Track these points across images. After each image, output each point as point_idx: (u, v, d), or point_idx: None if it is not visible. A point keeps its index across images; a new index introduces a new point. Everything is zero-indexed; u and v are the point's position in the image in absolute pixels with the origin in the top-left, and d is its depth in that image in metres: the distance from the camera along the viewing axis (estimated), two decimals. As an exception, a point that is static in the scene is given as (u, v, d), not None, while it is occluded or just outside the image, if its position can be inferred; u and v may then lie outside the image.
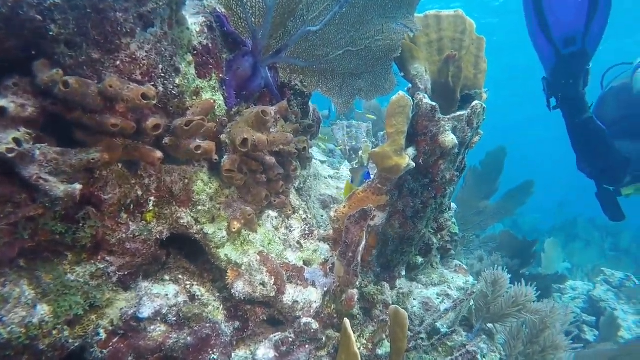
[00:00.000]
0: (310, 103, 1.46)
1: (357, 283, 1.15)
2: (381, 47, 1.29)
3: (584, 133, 2.19)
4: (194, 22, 0.98)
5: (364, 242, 1.08)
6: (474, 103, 1.18)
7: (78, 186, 0.78)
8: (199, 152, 0.95)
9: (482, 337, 1.87)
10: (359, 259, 1.08)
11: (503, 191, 4.95)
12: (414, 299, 2.01)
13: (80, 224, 0.89)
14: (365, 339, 1.21)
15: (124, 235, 0.96)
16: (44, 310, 0.86)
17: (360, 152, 2.76)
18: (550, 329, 1.72)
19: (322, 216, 1.77)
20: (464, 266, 2.67)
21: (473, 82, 1.59)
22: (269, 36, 1.12)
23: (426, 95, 1.13)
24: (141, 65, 0.80)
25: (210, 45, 1.01)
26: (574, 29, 1.87)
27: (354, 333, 1.19)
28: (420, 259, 1.55)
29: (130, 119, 0.83)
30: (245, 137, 1.02)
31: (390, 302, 1.27)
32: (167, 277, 1.15)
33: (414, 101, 1.12)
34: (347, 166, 2.87)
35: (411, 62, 1.53)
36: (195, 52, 0.97)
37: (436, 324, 1.86)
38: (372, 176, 1.56)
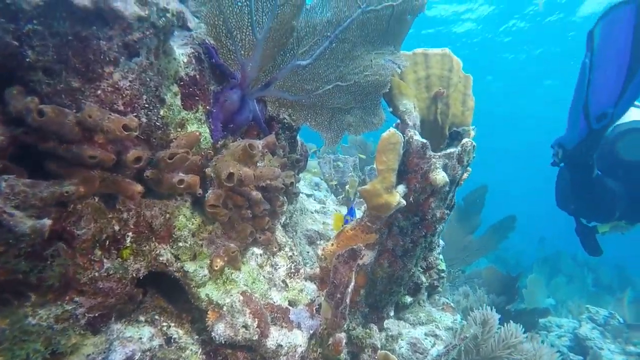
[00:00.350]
0: (298, 137, 1.44)
1: (345, 326, 1.09)
2: (370, 82, 1.29)
3: (592, 189, 2.33)
4: (181, 52, 0.96)
5: (352, 283, 1.03)
6: (464, 140, 1.18)
7: (47, 222, 0.72)
8: (182, 186, 0.91)
9: (472, 381, 1.79)
10: (348, 300, 1.03)
11: (486, 226, 4.99)
12: (402, 340, 1.93)
13: (48, 262, 0.82)
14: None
15: (96, 274, 0.89)
16: (-4, 361, 0.77)
17: (346, 187, 2.74)
18: None
19: (307, 252, 1.71)
20: (451, 304, 2.61)
21: (461, 119, 1.61)
22: (258, 69, 1.11)
23: (417, 132, 1.12)
24: (124, 95, 0.77)
25: (197, 76, 0.99)
26: (608, 105, 1.98)
27: (341, 380, 1.11)
28: (409, 299, 1.50)
29: (110, 150, 0.79)
30: (231, 171, 0.99)
31: (379, 346, 1.21)
32: (142, 318, 1.07)
33: (404, 138, 1.11)
34: (334, 200, 2.84)
35: (400, 99, 1.54)
36: (182, 82, 0.95)
37: (425, 366, 1.78)
38: (357, 212, 1.54)
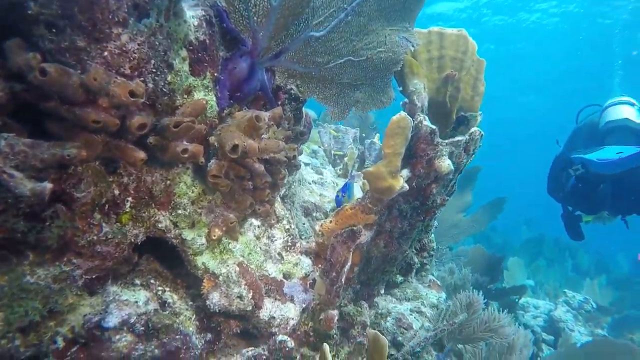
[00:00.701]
0: (304, 109, 1.41)
1: (338, 303, 1.11)
2: (383, 59, 1.25)
3: (590, 190, 2.60)
4: (192, 14, 0.91)
5: (349, 263, 1.04)
6: (472, 129, 1.16)
7: (48, 185, 0.71)
8: (186, 155, 0.89)
9: (452, 358, 1.87)
10: (343, 280, 1.05)
11: (476, 206, 5.06)
12: (389, 316, 1.99)
13: (47, 223, 0.81)
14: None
15: (95, 238, 0.89)
16: (-6, 316, 0.77)
17: (345, 159, 2.73)
18: (516, 355, 1.74)
19: (303, 224, 1.72)
20: (438, 282, 2.68)
21: (469, 104, 1.58)
22: (270, 37, 1.06)
23: (426, 117, 1.10)
24: (131, 58, 0.73)
25: (207, 41, 0.94)
26: None
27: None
28: (400, 278, 1.53)
29: (114, 115, 0.76)
30: (236, 143, 0.96)
31: (368, 323, 1.24)
32: (137, 281, 1.08)
33: (413, 122, 1.09)
34: (332, 171, 2.83)
35: (410, 78, 1.50)
36: (191, 47, 0.90)
37: (409, 342, 1.85)
38: (355, 187, 1.52)
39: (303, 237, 1.59)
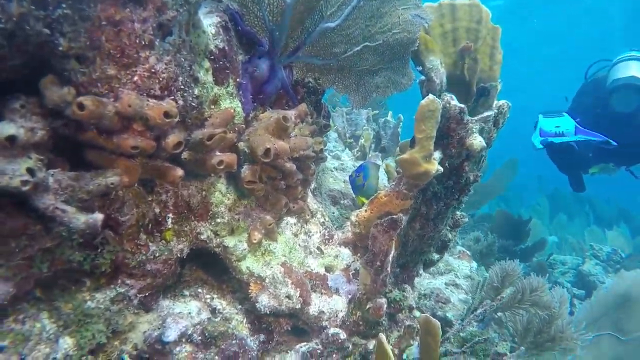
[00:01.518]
0: (322, 100, 1.39)
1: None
2: (399, 40, 1.22)
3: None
4: (208, 23, 0.89)
5: (393, 252, 1.04)
6: (500, 103, 1.13)
7: (99, 216, 0.72)
8: (222, 167, 0.89)
9: (492, 327, 1.88)
10: (389, 269, 1.05)
11: (491, 170, 5.00)
12: (424, 289, 2.01)
13: (99, 250, 0.83)
14: (391, 345, 1.19)
15: (144, 257, 0.90)
16: (67, 343, 0.80)
17: (361, 140, 2.70)
18: (559, 319, 1.73)
19: (333, 213, 1.73)
20: (467, 252, 2.69)
21: (488, 74, 1.54)
22: (287, 35, 1.03)
23: (454, 97, 1.07)
24: (160, 79, 0.72)
25: (226, 47, 0.93)
26: None
27: (379, 339, 1.17)
28: (436, 256, 1.53)
29: (149, 137, 0.76)
30: (267, 146, 0.96)
31: (414, 306, 1.25)
32: (186, 292, 1.10)
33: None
34: (349, 154, 2.81)
35: (426, 55, 1.46)
36: (212, 56, 0.89)
37: (447, 314, 1.87)
38: (370, 172, 1.49)
39: (336, 227, 1.60)
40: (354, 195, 1.92)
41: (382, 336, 0.90)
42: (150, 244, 0.92)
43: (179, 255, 0.97)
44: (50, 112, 0.69)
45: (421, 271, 1.48)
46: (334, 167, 2.18)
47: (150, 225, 0.92)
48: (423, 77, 1.46)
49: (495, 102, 1.13)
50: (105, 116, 0.68)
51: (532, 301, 1.75)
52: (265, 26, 1.00)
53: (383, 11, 1.16)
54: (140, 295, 0.94)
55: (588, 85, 3.08)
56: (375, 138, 2.82)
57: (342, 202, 1.81)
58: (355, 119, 2.93)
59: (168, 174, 0.83)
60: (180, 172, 0.84)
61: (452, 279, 2.13)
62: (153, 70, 0.71)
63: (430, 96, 0.98)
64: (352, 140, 2.94)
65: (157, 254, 0.93)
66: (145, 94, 0.72)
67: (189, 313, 1.02)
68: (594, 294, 2.12)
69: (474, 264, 2.52)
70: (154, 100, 0.72)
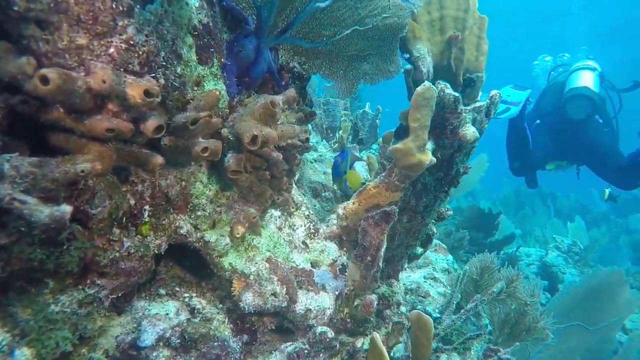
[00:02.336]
0: (307, 87, 1.32)
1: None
2: (388, 25, 1.17)
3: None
4: (191, -6, 0.81)
5: (384, 246, 1.00)
6: (492, 93, 1.11)
7: (67, 208, 0.62)
8: (206, 154, 0.81)
9: (470, 320, 1.90)
10: (380, 264, 1.01)
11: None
12: (403, 284, 1.99)
13: (65, 247, 0.73)
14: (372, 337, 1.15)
15: (117, 254, 0.81)
16: (24, 355, 0.71)
17: (339, 132, 2.66)
18: (532, 313, 1.76)
19: (314, 206, 1.67)
20: (443, 245, 2.71)
21: (475, 64, 1.52)
22: (276, 14, 0.96)
23: (448, 85, 1.04)
24: (140, 53, 0.63)
25: (210, 23, 0.84)
26: None
27: (367, 336, 1.13)
28: (420, 250, 1.51)
29: (126, 119, 0.67)
30: (255, 133, 0.88)
31: (402, 302, 1.22)
32: (162, 291, 1.02)
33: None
34: (326, 146, 2.76)
35: (413, 43, 1.42)
36: (196, 32, 0.80)
37: (427, 308, 1.87)
38: (349, 157, 1.45)
39: (312, 211, 1.54)
40: (334, 188, 1.87)
41: (377, 335, 0.86)
42: (124, 239, 0.82)
43: (156, 251, 0.89)
44: (6, 87, 0.59)
45: (406, 265, 1.45)
46: (313, 159, 2.13)
47: (124, 218, 0.82)
48: (408, 66, 1.43)
49: (490, 92, 1.11)
50: (75, 93, 0.59)
51: (508, 293, 1.78)
52: (253, 3, 0.92)
53: (373, -6, 1.11)
54: (113, 296, 0.85)
55: (548, 89, 3.38)
56: (353, 130, 2.78)
57: (323, 194, 1.75)
58: (333, 110, 2.88)
59: (146, 162, 0.75)
60: (160, 159, 0.75)
61: (430, 273, 2.13)
62: (132, 42, 0.62)
63: (427, 83, 0.94)
64: (329, 131, 2.89)
65: (132, 251, 0.84)
66: (122, 69, 0.63)
67: (167, 314, 0.94)
68: (567, 289, 2.22)
69: (450, 257, 2.55)
70: (133, 77, 0.63)
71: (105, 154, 0.68)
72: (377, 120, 2.73)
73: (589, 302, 2.18)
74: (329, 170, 2.05)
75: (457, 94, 1.02)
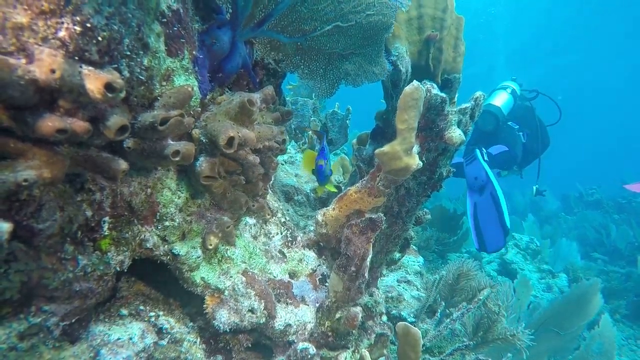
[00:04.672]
0: (281, 85, 1.24)
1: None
2: (372, 23, 1.11)
3: None
4: (159, -24, 0.70)
5: (370, 256, 0.94)
6: (476, 94, 1.08)
7: (5, 226, 0.51)
8: (177, 158, 0.71)
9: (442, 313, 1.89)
10: (366, 275, 0.95)
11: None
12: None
13: (2, 271, 0.61)
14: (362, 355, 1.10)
15: (70, 275, 0.69)
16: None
17: (309, 132, 2.58)
18: (500, 323, 1.76)
19: (287, 210, 1.59)
20: (413, 247, 2.71)
21: (452, 65, 1.50)
22: (253, 3, 0.87)
23: (435, 86, 0.99)
24: (99, 38, 0.53)
25: (181, 10, 0.74)
26: None
27: (349, 350, 1.07)
28: (398, 255, 1.47)
29: (81, 117, 0.56)
30: (231, 134, 0.79)
31: (384, 311, 1.17)
32: (124, 311, 0.90)
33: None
34: (294, 146, 2.68)
35: (391, 41, 1.38)
36: (164, 19, 0.70)
37: (402, 312, 1.84)
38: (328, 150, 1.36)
39: (288, 217, 1.46)
40: (307, 191, 1.79)
41: (366, 353, 0.80)
42: (79, 256, 0.71)
43: (117, 268, 0.78)
44: None
45: (384, 271, 1.41)
46: (283, 160, 2.04)
47: (79, 232, 0.71)
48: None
49: (474, 94, 1.08)
50: (15, 85, 0.48)
51: (480, 300, 1.78)
52: (228, -11, 0.83)
53: (356, -12, 1.04)
54: (64, 323, 0.73)
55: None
56: (323, 130, 2.72)
57: (295, 197, 1.67)
58: (301, 109, 2.80)
59: (107, 168, 0.64)
60: (123, 165, 0.65)
61: (403, 276, 2.11)
62: (89, 25, 0.51)
63: (415, 83, 0.89)
64: (297, 132, 2.81)
65: (89, 270, 0.72)
66: (77, 58, 0.53)
67: (130, 339, 0.83)
68: (550, 302, 2.32)
69: (421, 259, 2.54)
70: (91, 68, 0.53)
71: (55, 160, 0.57)
72: (347, 121, 2.69)
73: (567, 310, 2.27)
74: (300, 173, 1.97)
75: (444, 95, 0.98)
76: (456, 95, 1.55)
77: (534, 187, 3.73)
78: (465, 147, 3.56)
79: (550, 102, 4.05)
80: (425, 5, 1.43)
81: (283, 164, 1.99)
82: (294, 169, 2.02)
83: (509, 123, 3.50)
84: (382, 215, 0.92)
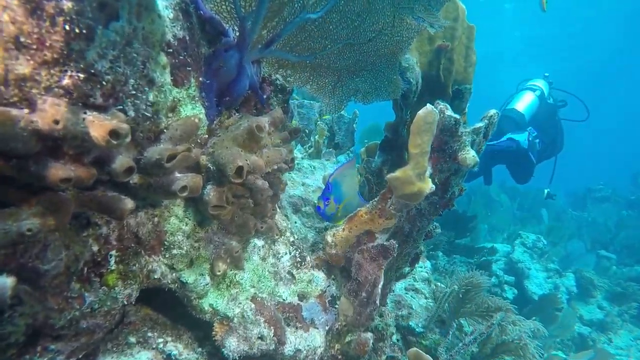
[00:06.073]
0: (290, 101, 1.22)
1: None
2: (387, 43, 1.07)
3: None
4: (164, 4, 0.68)
5: (382, 282, 0.92)
6: (491, 113, 1.05)
7: (8, 281, 0.49)
8: (184, 194, 0.69)
9: (453, 332, 1.87)
10: (377, 302, 0.93)
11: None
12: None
13: (6, 315, 0.59)
14: (372, 378, 1.08)
15: (77, 314, 0.68)
16: None
17: (315, 136, 2.55)
18: (514, 342, 1.71)
19: (295, 223, 1.56)
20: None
21: (463, 75, 1.47)
22: (261, 25, 0.84)
23: (448, 106, 0.96)
24: (104, 82, 0.51)
25: (187, 37, 0.72)
26: None
27: (359, 372, 1.05)
28: (407, 269, 1.45)
29: (85, 163, 0.54)
30: (240, 164, 0.77)
31: (394, 332, 1.15)
32: (132, 339, 0.89)
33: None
34: (300, 150, 2.65)
35: (402, 52, 1.35)
36: (170, 49, 0.68)
37: (410, 322, 1.82)
38: (342, 189, 1.26)
39: (299, 238, 1.44)
40: (315, 201, 1.77)
41: (378, 386, 0.78)
42: (86, 294, 0.69)
43: (125, 302, 0.76)
44: None
45: (394, 287, 1.38)
46: (291, 168, 2.01)
47: (86, 269, 0.69)
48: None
49: (488, 112, 1.04)
50: (17, 137, 0.46)
51: (491, 314, 1.74)
52: (236, 12, 0.80)
53: (375, 7, 1.00)
54: (72, 359, 0.72)
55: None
56: (329, 133, 2.69)
57: (303, 209, 1.65)
58: (307, 113, 2.77)
59: (115, 208, 0.62)
60: (130, 204, 0.63)
61: (411, 284, 2.09)
62: (92, 71, 0.49)
63: (429, 106, 0.86)
64: (303, 135, 2.78)
65: (97, 306, 0.71)
66: (81, 103, 0.50)
67: (138, 370, 0.82)
68: None
69: (428, 264, 2.52)
70: (94, 113, 0.51)
71: (60, 205, 0.55)
72: (354, 125, 2.66)
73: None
74: (308, 181, 1.95)
75: (457, 116, 0.95)
76: (467, 106, 1.51)
77: (545, 190, 3.75)
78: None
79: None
80: (437, 14, 1.39)
81: (289, 172, 1.96)
82: (301, 177, 1.99)
83: (528, 129, 3.50)
84: (394, 242, 0.90)
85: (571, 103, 4.13)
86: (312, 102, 2.85)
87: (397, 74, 1.11)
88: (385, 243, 0.90)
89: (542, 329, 1.65)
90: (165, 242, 0.83)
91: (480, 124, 1.02)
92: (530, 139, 3.35)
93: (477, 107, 1.44)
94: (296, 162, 2.18)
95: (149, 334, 0.92)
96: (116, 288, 0.74)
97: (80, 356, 0.73)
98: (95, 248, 0.70)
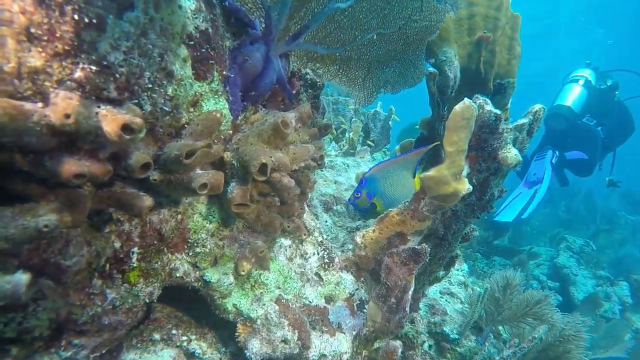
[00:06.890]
0: (321, 96, 1.17)
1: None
2: (416, 29, 1.01)
3: None
4: (186, -5, 0.66)
5: (412, 288, 0.86)
6: (536, 108, 0.96)
7: (24, 277, 0.49)
8: (205, 191, 0.67)
9: (491, 341, 1.77)
10: (407, 309, 0.87)
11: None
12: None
13: (31, 309, 0.60)
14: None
15: (99, 310, 0.68)
16: None
17: (349, 133, 2.50)
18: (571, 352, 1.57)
19: (325, 222, 1.53)
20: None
21: (506, 69, 1.37)
22: (288, 16, 0.81)
23: (488, 101, 0.88)
24: (117, 75, 0.49)
25: (210, 29, 0.69)
26: None
27: (388, 381, 1.00)
28: (442, 273, 1.37)
29: (100, 159, 0.53)
30: (264, 161, 0.74)
31: (426, 340, 1.09)
32: (157, 336, 0.89)
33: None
34: (335, 148, 2.61)
35: (439, 44, 1.27)
36: (192, 42, 0.65)
37: (444, 329, 1.73)
38: (377, 180, 1.25)
39: (329, 237, 1.40)
40: (347, 199, 1.72)
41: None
42: (107, 290, 0.69)
43: (147, 300, 0.75)
44: (-59, 123, 0.45)
45: (427, 292, 1.32)
46: (322, 165, 1.98)
47: (108, 266, 0.69)
48: (431, 69, 1.27)
49: (533, 107, 0.95)
50: (30, 132, 0.45)
51: (535, 314, 1.64)
52: (261, 3, 0.77)
53: (403, -9, 0.95)
54: (95, 355, 0.72)
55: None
56: (364, 131, 2.63)
57: (334, 207, 1.61)
58: (342, 109, 2.72)
59: (133, 205, 0.60)
60: (148, 201, 0.61)
61: (446, 287, 2.00)
62: (105, 63, 0.47)
63: (466, 101, 0.79)
64: (338, 132, 2.74)
65: (118, 303, 0.70)
66: (94, 97, 0.49)
67: (161, 368, 0.81)
68: None
69: (465, 266, 2.41)
70: (108, 107, 0.49)
71: (77, 201, 0.54)
72: (390, 122, 2.58)
73: None
74: (341, 179, 1.90)
75: (497, 112, 0.87)
76: (509, 101, 1.41)
77: (607, 179, 3.60)
78: (539, 143, 3.62)
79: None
80: (477, 3, 1.30)
81: (322, 170, 1.93)
82: (333, 174, 1.95)
83: (585, 119, 3.35)
84: (426, 247, 0.84)
85: (628, 79, 3.90)
86: (347, 98, 2.80)
87: (422, 60, 1.05)
88: (417, 247, 0.84)
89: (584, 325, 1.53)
90: (189, 240, 0.82)
91: (524, 120, 0.93)
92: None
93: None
94: (329, 159, 2.15)
95: (173, 332, 0.91)
96: (138, 285, 0.73)
97: (103, 351, 0.73)
98: (117, 245, 0.70)
